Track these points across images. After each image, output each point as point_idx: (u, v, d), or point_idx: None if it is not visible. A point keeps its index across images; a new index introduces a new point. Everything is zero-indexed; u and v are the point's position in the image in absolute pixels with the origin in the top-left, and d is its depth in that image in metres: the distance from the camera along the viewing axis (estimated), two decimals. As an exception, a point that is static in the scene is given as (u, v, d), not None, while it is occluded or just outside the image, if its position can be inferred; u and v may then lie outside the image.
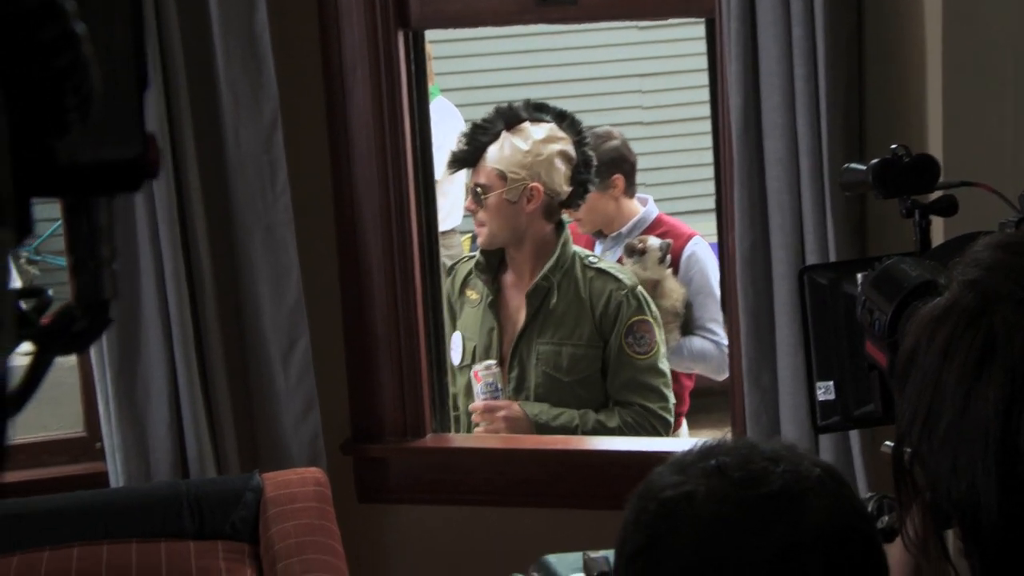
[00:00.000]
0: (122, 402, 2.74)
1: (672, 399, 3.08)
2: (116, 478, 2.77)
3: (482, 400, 3.03)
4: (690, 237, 3.51)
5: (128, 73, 0.71)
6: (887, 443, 1.54)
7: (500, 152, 3.03)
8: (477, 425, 3.07)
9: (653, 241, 3.40)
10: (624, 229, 3.53)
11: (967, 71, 2.34)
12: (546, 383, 3.03)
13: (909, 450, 1.10)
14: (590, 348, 3.02)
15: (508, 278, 3.12)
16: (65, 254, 0.73)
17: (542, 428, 3.00)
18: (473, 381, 3.05)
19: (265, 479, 2.51)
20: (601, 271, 3.06)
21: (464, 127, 4.63)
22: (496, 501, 2.95)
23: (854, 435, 2.47)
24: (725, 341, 3.44)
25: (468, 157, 3.06)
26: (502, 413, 3.01)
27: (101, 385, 2.76)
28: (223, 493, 2.48)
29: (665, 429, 3.04)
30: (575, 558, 1.88)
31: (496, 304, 3.10)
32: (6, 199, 0.64)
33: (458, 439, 3.06)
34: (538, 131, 3.06)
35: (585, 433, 3.00)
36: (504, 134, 3.04)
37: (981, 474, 1.03)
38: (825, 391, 1.58)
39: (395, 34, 2.80)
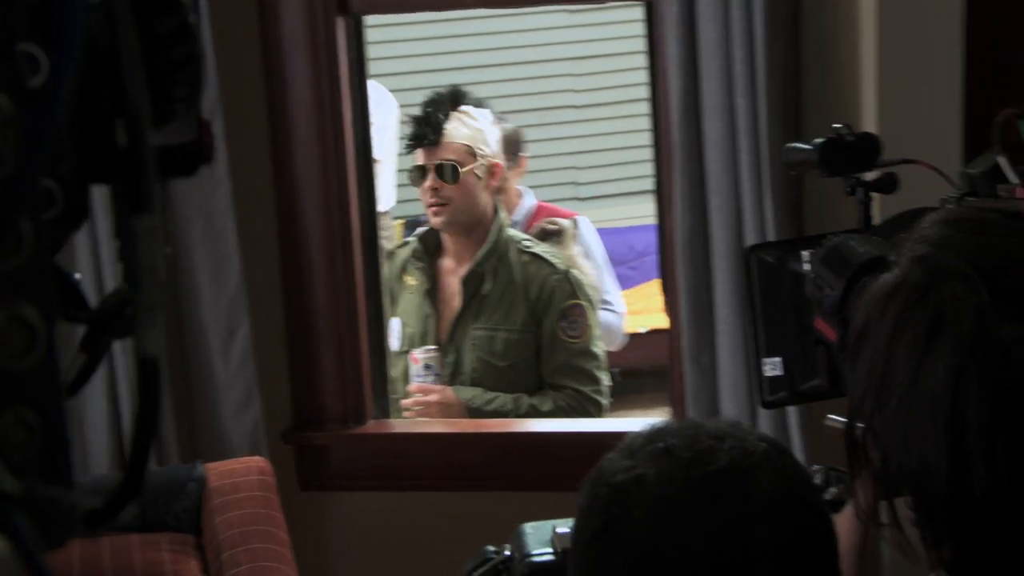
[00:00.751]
0: (59, 394, 2.69)
1: (606, 381, 3.11)
2: (54, 471, 2.73)
3: (417, 383, 3.04)
4: (574, 218, 3.61)
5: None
6: (831, 416, 1.57)
7: (465, 129, 3.05)
8: (407, 409, 3.07)
9: (563, 222, 3.45)
10: (518, 217, 3.56)
11: (901, 51, 2.37)
12: (481, 368, 3.05)
13: (861, 425, 1.12)
14: (524, 333, 3.04)
15: (446, 263, 3.12)
16: (115, 238, 0.70)
17: (475, 412, 3.02)
18: (411, 364, 3.05)
19: (208, 469, 2.49)
20: (535, 256, 3.09)
21: (398, 111, 4.60)
22: (438, 486, 2.96)
23: (792, 410, 2.51)
24: (623, 309, 3.53)
25: (430, 135, 3.04)
26: (434, 397, 3.02)
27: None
28: (165, 484, 2.45)
29: (598, 411, 3.07)
30: (549, 526, 1.87)
31: (433, 291, 3.10)
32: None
33: (399, 425, 3.06)
34: (481, 113, 3.10)
35: (519, 417, 3.02)
36: (454, 114, 3.05)
37: (932, 446, 1.05)
38: (772, 367, 1.60)
39: (334, 20, 2.78)
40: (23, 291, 0.61)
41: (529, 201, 3.63)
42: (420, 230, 3.22)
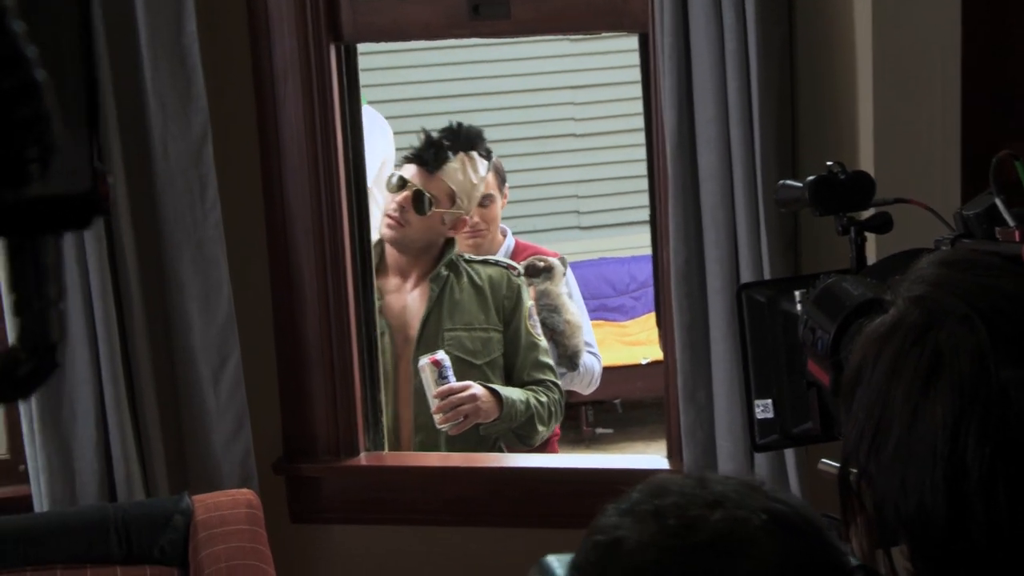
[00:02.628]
0: (47, 422, 2.67)
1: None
2: (40, 501, 2.70)
3: (443, 387, 2.99)
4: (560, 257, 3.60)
5: (79, 107, 0.68)
6: (824, 460, 1.54)
7: (460, 174, 3.12)
8: (444, 421, 3.00)
9: (553, 260, 3.46)
10: (500, 255, 3.54)
11: (897, 86, 2.36)
12: (458, 368, 3.05)
13: (855, 470, 1.10)
14: (494, 332, 3.11)
15: (388, 282, 3.14)
16: (7, 293, 0.69)
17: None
18: (426, 372, 3.00)
19: (195, 501, 2.46)
20: (488, 261, 3.20)
21: (392, 138, 4.58)
22: (431, 520, 2.92)
23: (789, 453, 2.48)
24: (598, 351, 3.54)
25: (431, 162, 3.10)
26: (471, 392, 2.98)
27: (24, 405, 2.69)
28: (151, 516, 2.43)
29: (564, 403, 3.20)
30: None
31: (382, 310, 3.11)
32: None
33: (391, 458, 3.02)
34: (482, 166, 3.18)
35: (530, 412, 3.06)
36: (462, 155, 3.12)
37: (929, 491, 1.02)
38: (763, 409, 1.57)
39: (327, 47, 2.77)
40: None
41: (510, 240, 3.62)
42: None
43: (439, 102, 6.61)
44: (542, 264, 3.43)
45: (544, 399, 3.10)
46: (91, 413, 2.66)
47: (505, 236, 3.57)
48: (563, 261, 3.50)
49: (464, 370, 3.06)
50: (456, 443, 3.07)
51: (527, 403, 3.06)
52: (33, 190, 0.64)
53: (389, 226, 3.11)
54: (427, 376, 2.99)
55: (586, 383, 3.52)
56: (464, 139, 3.14)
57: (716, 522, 0.96)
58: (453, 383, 2.98)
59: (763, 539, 0.96)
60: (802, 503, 1.00)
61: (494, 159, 3.38)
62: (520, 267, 3.24)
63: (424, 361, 3.00)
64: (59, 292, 0.68)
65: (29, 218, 0.66)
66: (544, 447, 3.39)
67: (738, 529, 0.96)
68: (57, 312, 0.68)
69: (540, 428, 3.08)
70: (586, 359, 3.49)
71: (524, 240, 3.68)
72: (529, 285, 3.36)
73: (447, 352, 3.05)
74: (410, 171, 3.12)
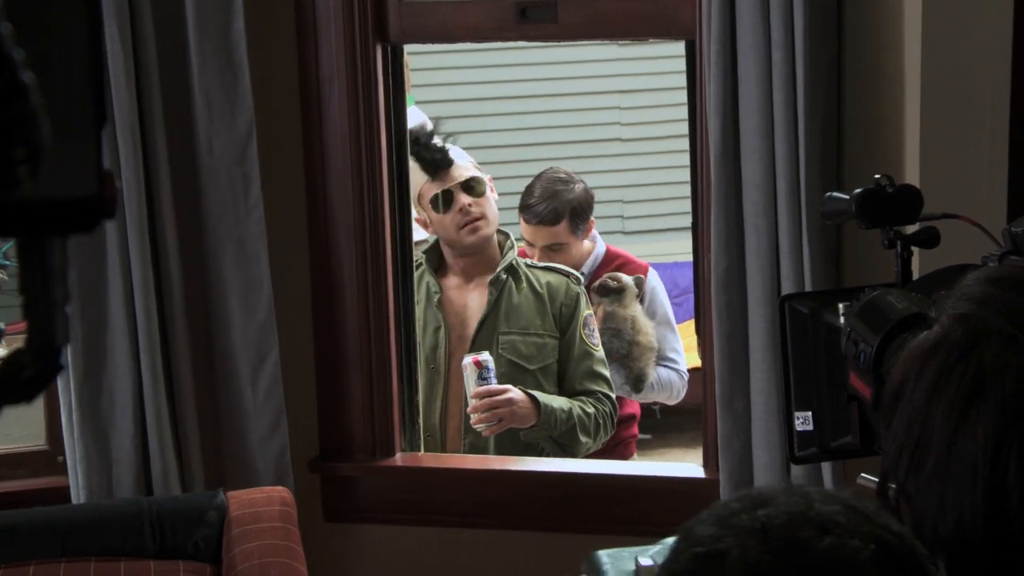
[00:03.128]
0: (86, 414, 2.68)
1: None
2: (78, 493, 2.72)
3: (480, 388, 2.96)
4: (646, 269, 3.53)
5: (85, 108, 0.68)
6: (863, 475, 1.52)
7: (462, 156, 3.13)
8: (478, 422, 2.97)
9: (627, 279, 3.40)
10: (585, 268, 3.49)
11: (945, 101, 2.33)
12: (511, 372, 3.04)
13: (894, 485, 1.08)
14: (550, 338, 3.08)
15: (451, 281, 3.14)
16: (19, 293, 0.68)
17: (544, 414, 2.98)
18: (468, 371, 2.97)
19: (230, 497, 2.47)
20: (550, 268, 3.18)
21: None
22: (465, 523, 2.92)
23: (826, 466, 2.45)
24: (685, 368, 3.47)
25: (442, 159, 3.09)
26: (507, 396, 2.94)
27: (64, 396, 2.71)
28: (186, 511, 2.43)
29: (616, 415, 3.13)
30: (628, 555, 1.79)
31: (441, 304, 3.10)
32: None
33: (427, 459, 3.02)
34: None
35: (572, 422, 3.00)
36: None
37: (969, 512, 1.01)
38: (803, 421, 1.55)
39: (373, 48, 2.77)
40: None
41: (600, 247, 3.57)
42: (423, 247, 3.21)
43: (485, 103, 6.61)
44: (614, 284, 3.38)
45: (591, 410, 3.04)
46: (129, 406, 2.67)
47: (595, 244, 3.54)
48: (639, 282, 3.41)
49: (516, 374, 3.03)
50: (503, 447, 3.06)
51: (569, 412, 3.01)
52: (31, 192, 0.64)
53: (474, 229, 3.06)
54: (468, 375, 2.98)
55: (665, 396, 3.48)
56: (428, 130, 3.15)
57: (826, 548, 0.92)
58: (492, 385, 2.97)
59: (870, 571, 0.92)
60: (905, 531, 0.96)
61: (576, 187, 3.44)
62: (580, 275, 3.20)
63: (467, 360, 2.98)
64: (65, 295, 0.68)
65: (32, 220, 0.65)
66: (619, 451, 3.37)
67: (848, 559, 0.92)
68: (63, 315, 0.68)
69: (584, 439, 3.02)
70: (662, 375, 3.43)
71: (615, 247, 3.62)
72: (598, 304, 3.34)
73: (501, 355, 3.04)
74: (436, 184, 3.08)
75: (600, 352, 3.13)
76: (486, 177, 3.13)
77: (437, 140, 3.10)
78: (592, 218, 3.49)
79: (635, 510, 2.81)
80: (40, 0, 0.65)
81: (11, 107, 0.61)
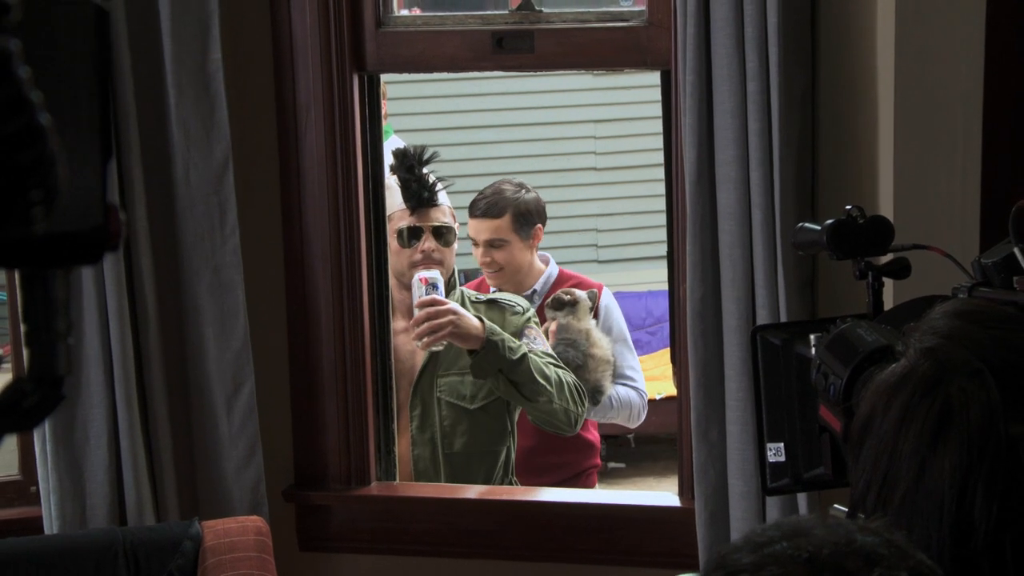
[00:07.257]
0: (59, 444, 2.67)
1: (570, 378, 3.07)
2: (51, 523, 2.70)
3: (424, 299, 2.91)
4: (600, 288, 3.52)
5: (92, 143, 0.68)
6: (836, 506, 1.52)
7: (446, 201, 3.08)
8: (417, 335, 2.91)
9: (580, 293, 3.40)
10: (537, 286, 3.48)
11: (918, 132, 2.35)
12: (451, 415, 3.02)
13: (863, 517, 1.09)
14: None
15: (397, 323, 3.05)
16: (21, 323, 0.69)
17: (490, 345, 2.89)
18: (415, 287, 2.93)
19: (205, 527, 2.46)
20: (492, 302, 3.11)
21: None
22: (441, 552, 2.91)
23: (801, 496, 2.46)
24: (644, 386, 3.46)
25: (427, 196, 3.04)
26: (448, 308, 2.88)
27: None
28: (161, 541, 2.43)
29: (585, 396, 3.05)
30: None
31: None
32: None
33: (403, 487, 3.01)
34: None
35: (525, 362, 2.90)
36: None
37: (935, 546, 1.01)
38: (775, 453, 1.56)
39: (350, 77, 2.78)
40: None
41: (553, 267, 3.55)
42: None
43: (462, 132, 6.63)
44: (567, 298, 3.36)
45: (551, 362, 2.97)
46: (104, 436, 2.66)
47: (548, 264, 3.53)
48: (593, 296, 3.39)
49: (457, 416, 3.02)
50: (456, 465, 3.03)
51: (522, 349, 2.91)
52: (40, 228, 0.64)
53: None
54: (415, 291, 2.94)
55: (625, 416, 3.43)
56: (418, 159, 3.05)
57: None
58: (438, 297, 2.92)
59: None
60: (936, 566, 0.94)
61: (524, 194, 3.40)
62: (521, 304, 3.13)
63: (415, 278, 2.94)
64: (68, 326, 0.69)
65: (38, 252, 0.66)
66: (581, 480, 3.35)
67: None
68: (65, 346, 0.68)
69: (542, 382, 2.90)
70: (620, 393, 3.40)
71: (569, 270, 3.61)
72: (552, 319, 3.34)
73: (440, 398, 3.01)
74: (411, 218, 3.03)
75: (549, 349, 3.07)
76: (456, 226, 3.09)
77: (430, 176, 3.04)
78: (540, 226, 3.44)
79: (611, 538, 2.81)
80: (49, 37, 0.66)
81: (30, 150, 0.62)
